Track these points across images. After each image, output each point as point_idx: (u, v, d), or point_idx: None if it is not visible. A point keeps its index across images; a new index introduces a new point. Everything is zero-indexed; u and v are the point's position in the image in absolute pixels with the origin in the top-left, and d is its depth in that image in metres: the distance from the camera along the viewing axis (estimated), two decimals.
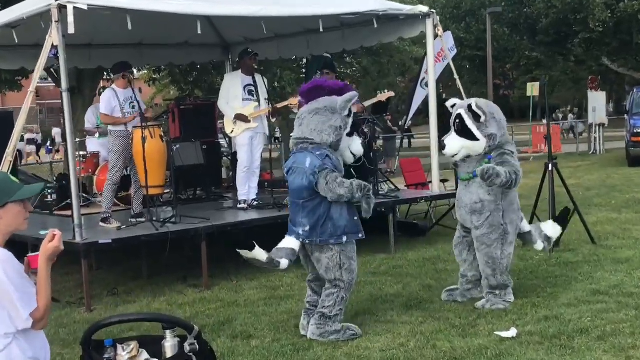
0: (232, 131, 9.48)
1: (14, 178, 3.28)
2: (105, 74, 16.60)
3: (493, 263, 6.67)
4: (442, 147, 6.82)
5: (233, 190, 10.53)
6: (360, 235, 6.06)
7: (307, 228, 6.00)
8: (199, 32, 8.34)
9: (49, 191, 10.24)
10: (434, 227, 10.85)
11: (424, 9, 9.88)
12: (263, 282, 8.22)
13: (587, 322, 6.01)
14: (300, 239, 6.08)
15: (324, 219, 5.95)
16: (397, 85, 34.10)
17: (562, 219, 7.46)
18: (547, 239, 7.16)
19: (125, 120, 8.64)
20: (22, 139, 36.45)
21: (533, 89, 27.65)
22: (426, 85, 15.47)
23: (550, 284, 7.30)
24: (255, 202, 9.52)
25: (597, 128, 24.73)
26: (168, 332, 3.03)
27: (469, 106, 6.63)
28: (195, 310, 7.28)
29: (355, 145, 6.17)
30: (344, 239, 5.99)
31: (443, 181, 10.73)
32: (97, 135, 10.78)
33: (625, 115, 21.26)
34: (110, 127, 8.80)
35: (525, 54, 33.15)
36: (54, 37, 7.42)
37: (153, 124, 8.66)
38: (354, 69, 29.62)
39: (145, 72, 24.70)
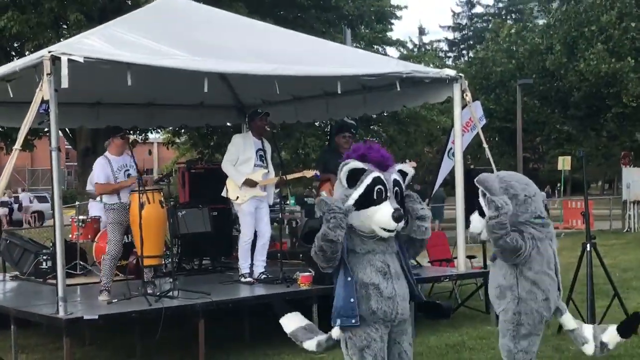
0: (238, 198, 8.76)
1: None
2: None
3: (508, 355, 5.77)
4: (467, 224, 6.08)
5: None
6: (353, 321, 5.01)
7: None
8: (206, 90, 7.70)
9: (44, 257, 9.56)
10: (459, 307, 9.98)
11: (451, 72, 9.21)
12: None
13: None
14: None
15: (333, 297, 5.11)
16: (425, 155, 33.51)
17: (627, 328, 6.03)
18: (602, 345, 5.96)
19: (121, 186, 7.98)
20: (30, 201, 36.33)
21: (565, 163, 26.90)
22: (453, 155, 14.83)
23: None
24: (264, 276, 8.75)
25: (632, 205, 23.80)
26: None
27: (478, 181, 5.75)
28: None
29: (377, 217, 5.05)
30: (338, 322, 5.07)
31: (470, 257, 9.91)
32: (98, 199, 10.13)
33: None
34: (104, 200, 8.16)
35: (556, 127, 32.41)
36: (44, 90, 6.80)
37: (152, 188, 7.99)
38: (380, 137, 29.10)
39: (166, 135, 24.36)
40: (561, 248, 14.31)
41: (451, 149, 14.97)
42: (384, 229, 4.99)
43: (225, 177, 11.31)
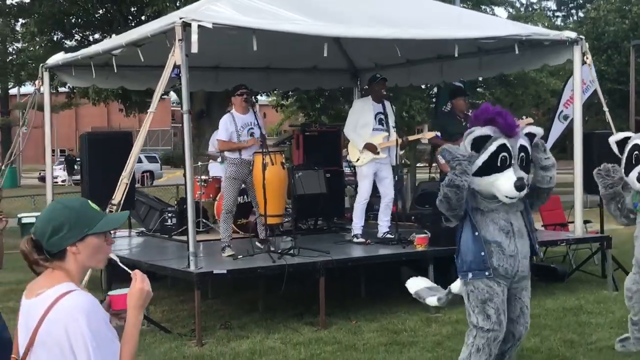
0: (358, 159, 8.92)
1: (94, 205, 2.79)
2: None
3: None
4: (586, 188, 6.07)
5: None
6: (486, 274, 5.18)
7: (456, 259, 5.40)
8: (325, 54, 7.87)
9: (169, 215, 10.01)
10: (573, 272, 9.92)
11: (571, 34, 9.06)
12: (384, 325, 7.59)
13: None
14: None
15: (458, 251, 5.29)
16: (532, 117, 32.80)
17: None
18: None
19: (241, 146, 8.25)
20: (140, 160, 37.41)
21: None
22: (564, 118, 14.55)
23: None
24: (389, 236, 8.93)
25: None
26: None
27: None
28: (309, 352, 6.72)
29: (500, 185, 5.13)
30: (469, 275, 5.22)
31: (585, 222, 9.82)
32: (219, 159, 10.50)
33: None
34: (226, 154, 8.47)
35: None
36: (176, 56, 7.13)
37: (274, 150, 8.25)
38: (485, 99, 28.65)
39: (274, 98, 24.69)
40: None
41: (562, 111, 14.74)
42: (506, 197, 5.10)
43: (337, 139, 11.59)
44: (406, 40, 8.57)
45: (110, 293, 2.81)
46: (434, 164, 14.04)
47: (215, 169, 10.82)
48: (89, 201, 2.77)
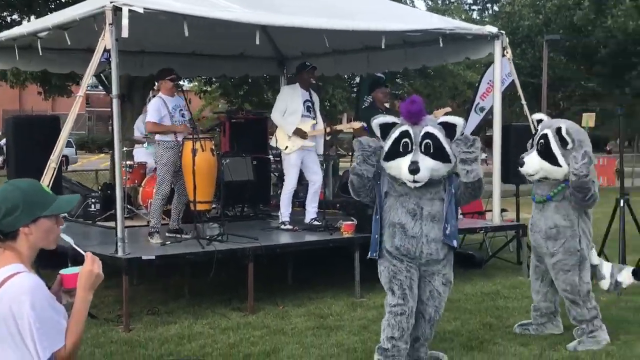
0: (287, 147, 9.02)
1: (47, 188, 2.86)
2: (156, 83, 16.35)
3: (572, 291, 6.28)
4: (520, 163, 6.40)
5: None
6: (374, 255, 5.69)
7: None
8: (258, 42, 7.95)
9: (93, 200, 9.91)
10: (490, 259, 10.29)
11: (492, 29, 9.39)
12: (311, 309, 7.75)
13: None
14: None
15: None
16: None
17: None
18: (617, 284, 6.68)
19: (176, 128, 8.23)
20: (70, 145, 36.61)
21: (589, 120, 26.88)
22: (480, 110, 14.95)
23: (623, 330, 6.71)
24: (316, 222, 9.06)
25: None
26: None
27: (558, 129, 6.17)
28: (239, 336, 6.82)
29: (399, 167, 5.47)
30: (369, 254, 5.76)
31: (502, 211, 10.19)
32: (145, 144, 10.44)
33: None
34: (158, 137, 8.36)
35: (581, 84, 32.30)
36: (106, 40, 7.08)
37: (204, 136, 8.27)
38: (404, 90, 29.14)
39: (196, 83, 24.51)
40: None
41: (478, 104, 15.15)
42: (407, 180, 5.44)
43: (264, 127, 11.65)
44: (335, 31, 8.71)
45: (62, 271, 2.87)
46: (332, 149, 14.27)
47: (140, 154, 10.74)
48: (42, 184, 2.82)
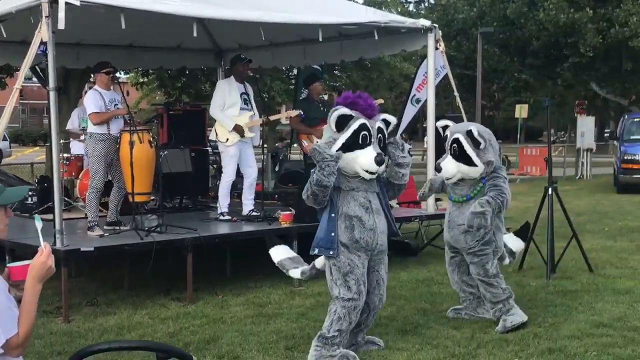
0: (227, 140, 9.09)
1: None
2: (92, 76, 16.22)
3: (485, 274, 6.64)
4: (438, 169, 6.71)
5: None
6: (331, 253, 5.67)
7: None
8: (195, 34, 8.03)
9: (30, 193, 9.85)
10: (425, 247, 10.55)
11: (426, 22, 9.62)
12: (250, 299, 7.88)
13: (594, 357, 5.73)
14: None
15: (316, 230, 5.81)
16: (386, 100, 33.85)
17: (523, 234, 7.67)
18: (511, 253, 7.20)
19: (117, 112, 8.23)
20: (4, 138, 35.91)
21: (522, 111, 27.52)
22: (416, 102, 15.25)
23: (550, 313, 7.01)
24: (254, 214, 9.16)
25: (585, 153, 24.62)
26: None
27: (469, 132, 6.47)
28: (178, 325, 6.91)
29: (361, 160, 5.62)
30: (315, 251, 5.77)
31: (436, 200, 10.45)
32: (82, 137, 10.39)
33: (615, 141, 21.14)
34: (90, 130, 8.34)
35: (515, 76, 32.94)
36: (43, 32, 7.07)
37: (142, 128, 8.31)
38: (342, 82, 29.37)
39: (132, 75, 24.31)
40: (517, 193, 15.30)
41: (414, 95, 15.44)
42: (367, 171, 5.59)
43: (202, 119, 11.70)
44: (271, 23, 8.82)
45: (9, 265, 2.95)
46: (294, 145, 14.42)
47: (77, 147, 10.70)
48: None
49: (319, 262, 6.11)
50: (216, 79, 12.29)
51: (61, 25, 7.04)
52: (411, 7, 44.98)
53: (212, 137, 9.58)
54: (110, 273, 8.95)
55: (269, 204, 9.92)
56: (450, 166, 6.60)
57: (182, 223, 8.46)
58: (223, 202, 9.28)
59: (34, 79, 18.28)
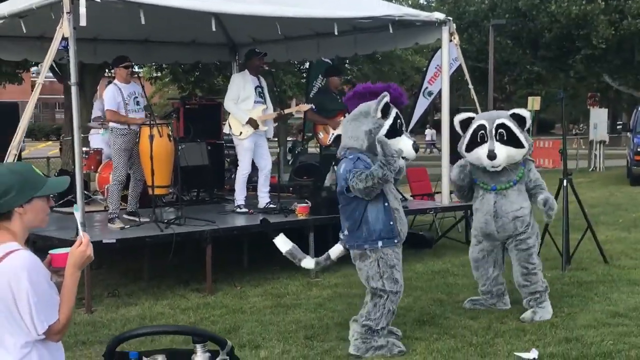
0: (241, 133, 9.19)
1: (38, 170, 3.04)
2: (107, 70, 16.39)
3: (535, 267, 6.71)
4: (492, 156, 6.52)
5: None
6: (395, 241, 5.74)
7: (346, 232, 5.86)
8: (214, 29, 8.16)
9: None
10: (440, 239, 10.63)
11: (440, 15, 9.68)
12: (268, 290, 7.99)
13: (610, 346, 5.80)
14: (342, 244, 5.96)
15: (359, 223, 5.69)
16: None
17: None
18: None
19: (133, 121, 8.36)
20: None
21: (534, 103, 27.49)
22: (428, 94, 15.32)
23: (566, 303, 7.08)
24: (271, 206, 9.24)
25: (598, 145, 24.61)
26: (199, 346, 2.79)
27: (514, 114, 6.56)
28: (199, 315, 7.04)
29: (405, 148, 5.76)
30: (379, 244, 5.69)
31: (450, 192, 10.51)
32: (101, 131, 10.51)
33: (628, 133, 21.14)
34: (112, 125, 8.50)
35: (527, 68, 32.91)
36: (64, 28, 7.19)
37: (161, 122, 8.42)
38: (353, 75, 29.44)
39: (146, 69, 24.43)
40: None
41: (426, 88, 15.50)
42: (404, 158, 5.80)
43: (217, 113, 11.81)
44: (286, 18, 8.90)
45: (51, 252, 3.06)
46: (305, 136, 14.52)
47: (96, 140, 10.81)
48: (33, 166, 3.02)
49: (335, 252, 6.12)
50: (229, 73, 12.39)
51: (83, 21, 7.16)
52: (422, 0, 44.88)
53: (226, 130, 9.67)
54: (130, 265, 9.07)
55: (285, 197, 10.01)
56: (502, 152, 6.52)
57: (200, 216, 8.57)
58: (239, 195, 9.37)
59: (48, 74, 18.44)
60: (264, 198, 9.37)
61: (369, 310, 5.80)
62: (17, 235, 2.90)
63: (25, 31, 8.23)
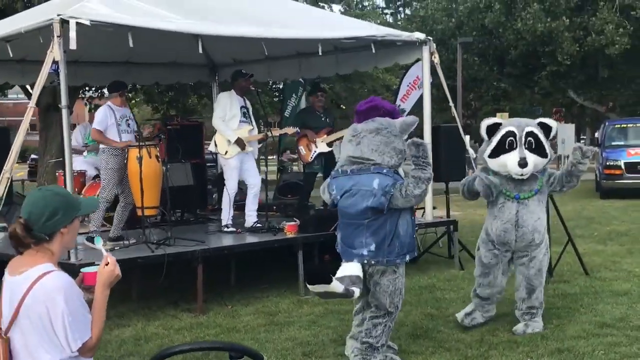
0: (227, 152, 9.27)
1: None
2: (87, 92, 16.32)
3: (540, 283, 6.84)
4: (522, 164, 6.52)
5: (219, 213, 10.33)
6: (415, 254, 5.94)
7: (373, 247, 5.62)
8: (200, 51, 8.27)
9: None
10: (423, 254, 10.76)
11: (421, 35, 9.87)
12: (259, 308, 8.05)
13: (602, 356, 5.97)
14: (365, 261, 5.68)
15: (391, 237, 5.61)
16: None
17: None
18: None
19: (117, 144, 8.43)
20: None
21: (502, 119, 27.88)
22: (402, 112, 15.52)
23: (554, 315, 7.24)
24: (258, 225, 9.31)
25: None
26: None
27: (541, 123, 6.68)
28: (194, 335, 7.08)
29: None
30: (407, 257, 5.78)
31: (433, 208, 10.67)
32: (85, 153, 10.53)
33: (597, 148, 21.50)
34: (102, 146, 8.58)
35: (493, 84, 33.44)
36: (55, 52, 7.24)
37: (149, 143, 8.48)
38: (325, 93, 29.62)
39: None
40: None
41: (399, 106, 15.71)
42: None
43: (199, 133, 11.87)
44: (270, 39, 9.01)
45: (83, 270, 3.14)
46: (285, 154, 14.60)
47: (79, 163, 10.83)
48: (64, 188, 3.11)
49: (356, 270, 5.73)
50: (204, 92, 12.46)
51: (73, 45, 7.21)
52: (389, 19, 45.38)
53: (211, 148, 9.73)
54: (117, 286, 9.03)
55: (270, 215, 10.09)
56: (531, 160, 6.56)
57: (187, 236, 8.62)
58: (226, 214, 9.43)
59: (10, 96, 18.37)
60: (251, 217, 9.43)
61: (369, 328, 5.86)
62: (55, 256, 3.00)
63: (12, 55, 8.24)
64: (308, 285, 5.56)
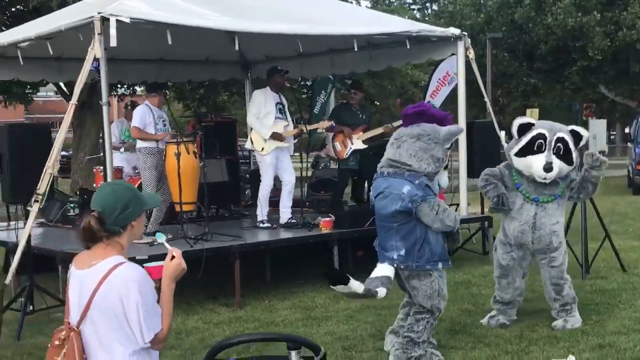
0: (263, 149, 9.32)
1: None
2: (119, 89, 16.40)
3: (566, 282, 6.83)
4: (548, 169, 6.53)
5: (252, 209, 10.40)
6: (449, 264, 5.95)
7: (403, 252, 5.74)
8: (237, 48, 8.31)
9: (71, 205, 10.10)
10: (457, 250, 10.74)
11: (456, 31, 9.85)
12: (296, 303, 8.10)
13: None
14: (395, 264, 5.79)
15: (421, 243, 5.70)
16: (394, 107, 34.10)
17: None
18: None
19: (157, 137, 8.53)
20: None
21: (532, 115, 27.72)
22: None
23: (593, 311, 7.22)
24: (293, 221, 9.34)
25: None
26: (293, 353, 2.93)
27: (572, 131, 6.65)
28: (233, 329, 7.15)
29: (444, 178, 5.98)
30: (440, 265, 5.83)
31: (468, 204, 10.65)
32: (122, 149, 10.64)
33: (629, 143, 21.35)
34: (140, 145, 8.67)
35: (523, 80, 33.20)
36: (96, 49, 7.35)
37: (187, 139, 8.57)
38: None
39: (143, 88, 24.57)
40: None
41: (429, 102, 15.67)
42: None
43: (232, 130, 11.94)
44: (304, 35, 9.06)
45: (146, 265, 3.21)
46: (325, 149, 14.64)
47: (116, 159, 10.87)
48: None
49: (387, 272, 5.89)
50: (235, 89, 12.54)
51: (113, 42, 7.32)
52: (416, 14, 45.20)
53: (247, 145, 9.79)
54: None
55: (303, 211, 10.14)
56: (557, 166, 6.57)
57: (223, 231, 8.68)
58: (262, 210, 9.48)
59: (40, 94, 18.60)
60: (285, 213, 9.47)
61: (411, 324, 5.93)
62: (124, 248, 3.06)
63: (52, 53, 8.35)
64: (331, 286, 5.64)
